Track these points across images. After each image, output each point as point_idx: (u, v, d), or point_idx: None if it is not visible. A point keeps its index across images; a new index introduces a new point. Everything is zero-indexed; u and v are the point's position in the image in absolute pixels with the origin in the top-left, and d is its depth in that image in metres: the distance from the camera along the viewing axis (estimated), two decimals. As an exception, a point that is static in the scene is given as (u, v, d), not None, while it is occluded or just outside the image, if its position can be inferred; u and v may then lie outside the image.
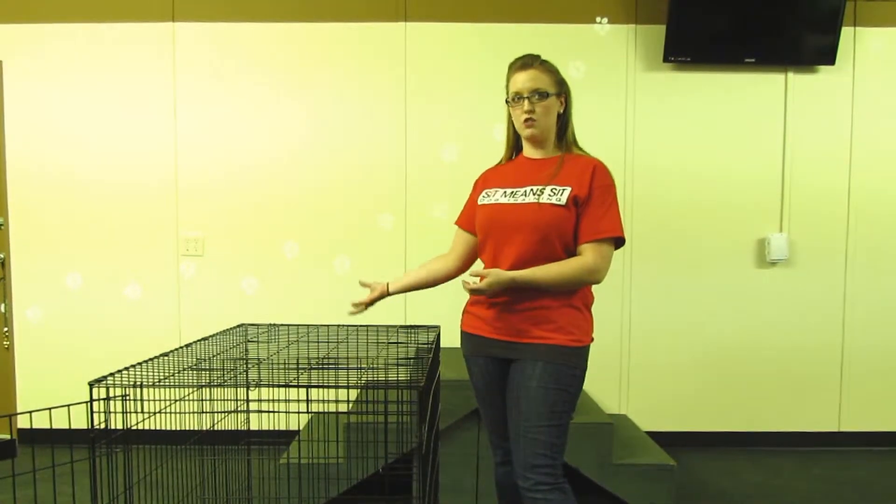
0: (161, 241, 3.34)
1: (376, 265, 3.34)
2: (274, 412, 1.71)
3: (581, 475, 2.53)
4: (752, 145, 3.34)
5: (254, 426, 2.31)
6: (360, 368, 1.66)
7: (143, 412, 1.44)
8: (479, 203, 1.80)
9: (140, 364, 1.50)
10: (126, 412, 1.38)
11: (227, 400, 2.07)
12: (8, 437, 3.25)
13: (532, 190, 1.68)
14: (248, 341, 2.07)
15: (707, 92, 3.33)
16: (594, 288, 1.73)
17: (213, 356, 1.78)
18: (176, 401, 1.65)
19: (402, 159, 3.33)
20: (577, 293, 1.68)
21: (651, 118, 3.33)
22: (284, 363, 1.66)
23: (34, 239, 3.34)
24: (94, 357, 3.35)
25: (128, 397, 1.37)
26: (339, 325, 2.12)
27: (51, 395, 3.32)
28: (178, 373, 1.54)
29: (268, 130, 3.33)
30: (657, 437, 3.07)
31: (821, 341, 3.39)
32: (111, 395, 1.35)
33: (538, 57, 1.74)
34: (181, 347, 1.73)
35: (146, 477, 1.65)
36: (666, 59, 3.26)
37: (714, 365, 3.40)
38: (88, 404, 1.32)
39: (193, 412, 1.82)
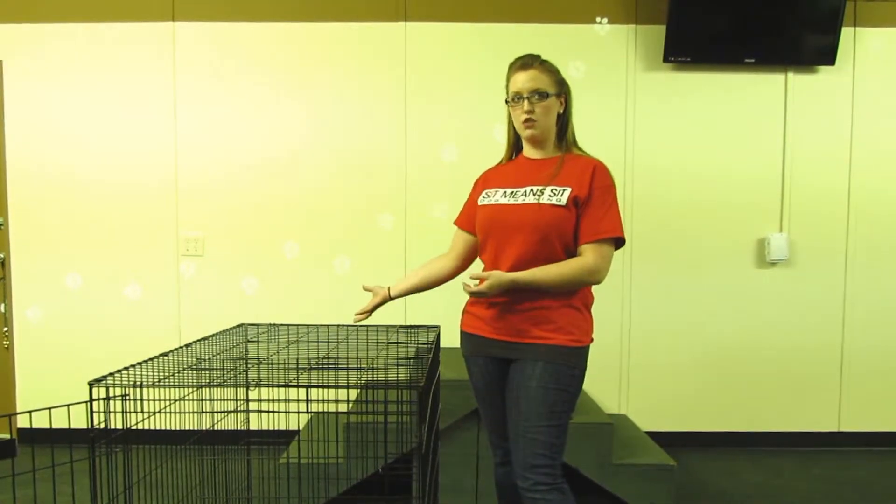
0: (161, 241, 3.34)
1: (376, 265, 3.34)
2: (274, 412, 1.71)
3: (581, 475, 2.53)
4: (752, 145, 3.34)
5: (253, 426, 2.31)
6: (360, 368, 1.66)
7: (142, 412, 1.44)
8: (480, 203, 1.80)
9: (140, 364, 1.50)
10: (126, 412, 1.38)
11: (227, 400, 2.07)
12: (8, 436, 3.25)
13: (532, 190, 1.68)
14: (248, 341, 2.07)
15: (707, 92, 3.33)
16: (594, 288, 1.73)
17: (213, 356, 1.78)
18: (176, 401, 1.65)
19: (402, 159, 3.33)
20: (577, 293, 1.68)
21: (651, 118, 3.33)
22: (284, 363, 1.66)
23: (34, 239, 3.34)
24: (94, 357, 3.35)
25: (127, 397, 1.37)
26: (339, 325, 2.12)
27: (51, 395, 3.32)
28: (178, 373, 1.54)
29: (268, 130, 3.33)
30: (657, 437, 3.07)
31: (821, 341, 3.39)
32: (111, 394, 1.35)
33: (538, 57, 1.74)
34: (181, 347, 1.73)
35: (146, 477, 1.65)
36: (666, 59, 3.26)
37: (714, 365, 3.40)
38: (88, 404, 1.32)
39: (193, 412, 1.82)
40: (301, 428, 2.83)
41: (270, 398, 1.60)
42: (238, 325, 2.12)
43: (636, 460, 2.60)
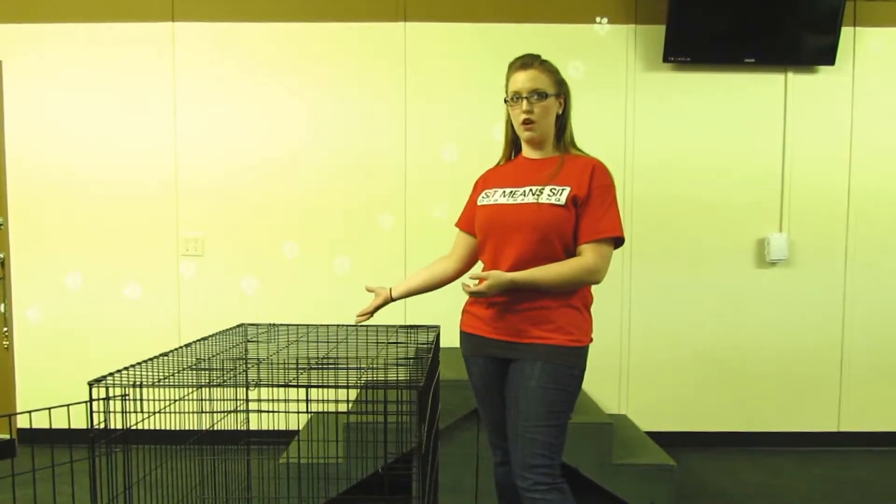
0: (161, 241, 3.34)
1: (376, 265, 3.34)
2: (273, 412, 1.71)
3: (581, 475, 2.53)
4: (751, 145, 3.34)
5: (253, 426, 2.31)
6: (360, 368, 1.66)
7: (142, 412, 1.44)
8: (479, 204, 1.80)
9: (140, 364, 1.50)
10: (125, 412, 1.38)
11: (227, 400, 2.07)
12: (7, 436, 3.25)
13: (531, 190, 1.68)
14: (248, 341, 2.07)
15: (707, 92, 3.33)
16: (594, 288, 1.73)
17: (213, 356, 1.78)
18: (175, 401, 1.65)
19: (402, 159, 3.33)
20: (576, 293, 1.68)
21: (651, 118, 3.33)
22: (284, 363, 1.66)
23: (34, 239, 3.34)
24: (93, 357, 3.35)
25: (127, 397, 1.37)
26: (338, 325, 2.12)
27: (50, 395, 3.33)
28: (178, 373, 1.54)
29: (268, 130, 3.33)
30: (657, 437, 3.07)
31: (820, 341, 3.39)
32: (111, 394, 1.35)
33: (538, 57, 1.74)
34: (181, 347, 1.73)
35: (146, 477, 1.65)
36: (666, 59, 3.26)
37: (714, 365, 3.40)
38: (88, 404, 1.32)
39: (193, 412, 1.82)
40: (301, 428, 2.83)
41: (270, 398, 1.60)
42: (238, 325, 2.12)
43: (636, 460, 2.60)
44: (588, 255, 1.64)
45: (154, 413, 1.52)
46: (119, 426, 1.37)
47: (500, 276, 1.60)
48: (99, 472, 1.31)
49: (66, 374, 3.34)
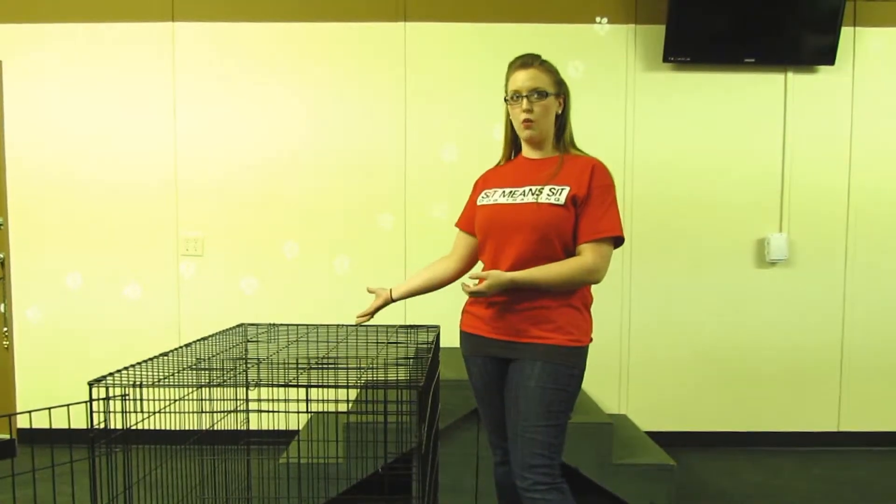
0: (161, 241, 3.34)
1: (376, 265, 3.34)
2: (273, 412, 1.71)
3: (581, 475, 2.53)
4: (751, 145, 3.34)
5: (253, 426, 2.31)
6: (360, 368, 1.66)
7: (142, 412, 1.44)
8: (479, 204, 1.80)
9: (140, 364, 1.50)
10: (125, 412, 1.38)
11: (227, 400, 2.07)
12: (7, 436, 3.25)
13: (531, 190, 1.68)
14: (248, 341, 2.07)
15: (707, 92, 3.33)
16: (593, 288, 1.73)
17: (213, 356, 1.78)
18: (175, 400, 1.65)
19: (401, 159, 3.33)
20: (576, 293, 1.68)
21: (651, 118, 3.33)
22: (284, 363, 1.66)
23: (34, 239, 3.34)
24: (93, 357, 3.35)
25: (127, 397, 1.37)
26: (338, 325, 2.12)
27: (50, 395, 3.33)
28: (178, 373, 1.54)
29: (268, 130, 3.33)
30: (657, 436, 3.07)
31: (820, 341, 3.39)
32: (111, 394, 1.35)
33: (538, 56, 1.74)
34: (181, 347, 1.73)
35: (146, 477, 1.65)
36: (666, 59, 3.26)
37: (714, 365, 3.40)
38: (88, 404, 1.32)
39: (193, 412, 1.82)
40: (301, 428, 2.83)
41: (270, 398, 1.60)
42: (238, 325, 2.12)
43: (636, 460, 2.60)
44: (588, 254, 1.64)
45: (154, 413, 1.52)
46: (119, 426, 1.37)
47: (500, 275, 1.60)
48: (99, 472, 1.31)
49: (66, 374, 3.34)
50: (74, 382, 2.90)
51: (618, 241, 1.69)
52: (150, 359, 1.56)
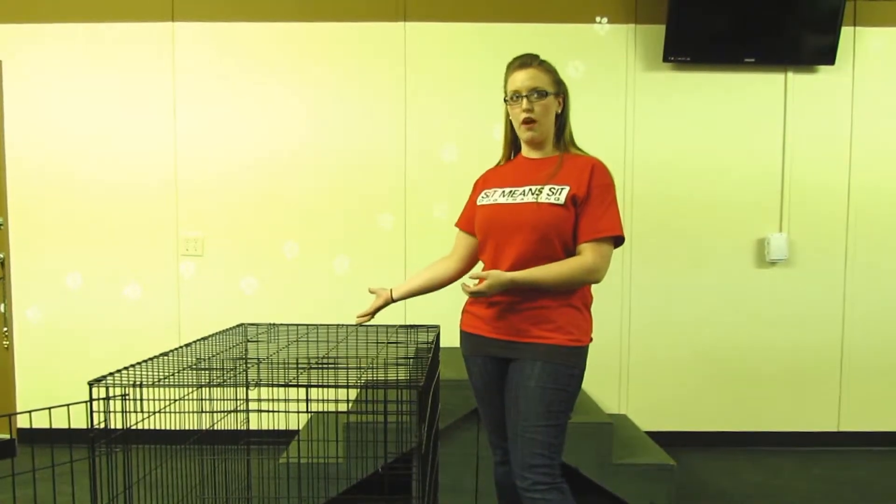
0: (161, 241, 3.34)
1: (376, 265, 3.34)
2: (273, 412, 1.71)
3: (581, 475, 2.53)
4: (751, 145, 3.34)
5: (253, 426, 2.31)
6: (360, 368, 1.66)
7: (142, 412, 1.44)
8: (479, 203, 1.80)
9: (140, 364, 1.50)
10: (125, 412, 1.38)
11: (227, 399, 2.07)
12: (8, 436, 3.25)
13: (531, 189, 1.68)
14: (248, 341, 2.07)
15: (707, 92, 3.33)
16: (593, 287, 1.73)
17: (213, 356, 1.78)
18: (175, 400, 1.65)
19: (401, 159, 3.33)
20: (576, 293, 1.68)
21: (651, 118, 3.33)
22: (284, 363, 1.66)
23: (34, 239, 3.34)
24: (94, 357, 3.35)
25: (127, 397, 1.37)
26: (338, 325, 2.12)
27: (50, 395, 3.33)
28: (178, 372, 1.54)
29: (267, 130, 3.33)
30: (657, 436, 3.07)
31: (820, 341, 3.39)
32: (111, 394, 1.35)
33: (537, 56, 1.74)
34: (181, 347, 1.73)
35: (146, 476, 1.65)
36: (666, 59, 3.26)
37: (714, 365, 3.40)
38: (88, 404, 1.32)
39: (193, 412, 1.82)
40: (301, 428, 2.83)
41: (270, 398, 1.60)
42: (238, 325, 2.12)
43: (636, 460, 2.60)
44: (588, 254, 1.64)
45: (154, 413, 1.52)
46: (119, 426, 1.37)
47: (500, 275, 1.59)
48: (99, 471, 1.31)
49: (66, 374, 3.34)
50: (74, 382, 2.90)
51: (618, 241, 1.69)
52: (150, 359, 1.56)
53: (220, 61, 3.30)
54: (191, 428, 1.90)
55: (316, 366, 1.60)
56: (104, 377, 1.38)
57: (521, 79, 1.70)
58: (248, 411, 2.20)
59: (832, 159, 3.35)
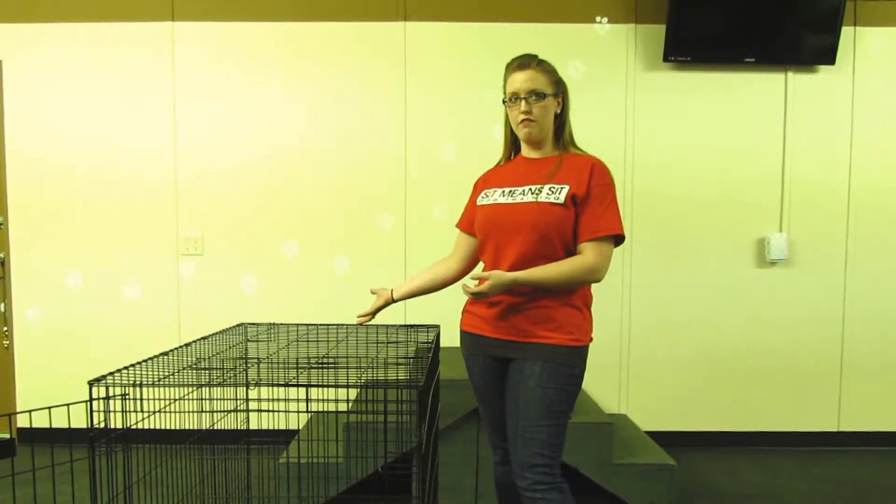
0: (161, 241, 3.34)
1: (376, 265, 3.34)
2: (273, 411, 1.71)
3: (581, 475, 2.53)
4: (751, 145, 3.34)
5: (253, 425, 2.31)
6: (360, 368, 1.66)
7: (142, 411, 1.44)
8: (479, 204, 1.80)
9: (140, 363, 1.50)
10: (126, 411, 1.38)
11: (227, 399, 2.07)
12: (7, 436, 3.25)
13: (530, 189, 1.68)
14: (248, 340, 2.07)
15: (707, 91, 3.33)
16: (593, 287, 1.73)
17: (213, 355, 1.78)
18: (175, 400, 1.65)
19: (401, 159, 3.33)
20: (576, 292, 1.68)
21: (651, 118, 3.33)
22: (284, 362, 1.66)
23: (34, 238, 3.34)
24: (93, 357, 3.35)
25: (127, 396, 1.37)
26: (338, 325, 2.12)
27: (50, 395, 3.33)
28: (178, 372, 1.54)
29: (268, 130, 3.33)
30: (657, 436, 3.07)
31: (820, 341, 3.39)
32: (111, 394, 1.35)
33: (535, 57, 1.74)
34: (181, 347, 1.73)
35: (146, 476, 1.65)
36: (666, 59, 3.26)
37: (714, 364, 3.40)
38: (88, 403, 1.32)
39: (193, 411, 1.82)
40: (301, 427, 2.83)
41: (270, 398, 1.60)
42: (238, 325, 2.12)
43: (636, 460, 2.60)
44: (588, 253, 1.64)
45: (154, 412, 1.52)
46: (119, 426, 1.37)
47: (502, 275, 1.59)
48: (99, 471, 1.31)
49: (66, 373, 3.34)
50: (74, 382, 2.90)
51: (618, 240, 1.69)
52: (151, 358, 1.56)
53: (221, 61, 3.30)
54: (191, 428, 1.90)
55: (316, 366, 1.60)
56: (104, 377, 1.38)
57: (520, 80, 1.69)
58: (248, 411, 2.20)
59: (832, 159, 3.35)
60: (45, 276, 3.34)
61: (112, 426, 1.35)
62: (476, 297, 1.67)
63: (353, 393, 2.95)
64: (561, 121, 1.76)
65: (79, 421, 1.42)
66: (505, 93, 1.74)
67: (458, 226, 1.94)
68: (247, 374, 1.88)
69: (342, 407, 2.59)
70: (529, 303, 1.65)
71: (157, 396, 1.49)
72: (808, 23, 3.18)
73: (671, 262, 3.37)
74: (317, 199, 3.34)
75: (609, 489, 2.55)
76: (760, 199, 3.35)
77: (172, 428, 1.75)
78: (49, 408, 1.35)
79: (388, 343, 1.98)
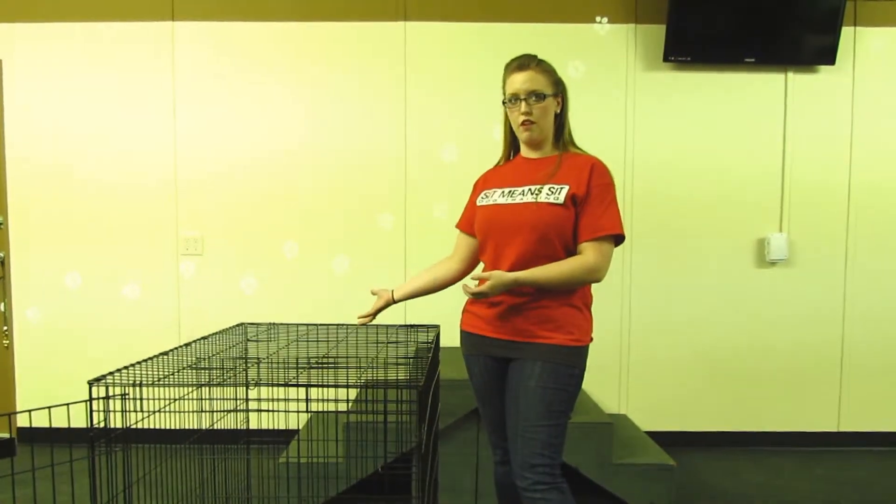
0: (160, 241, 3.34)
1: (376, 265, 3.34)
2: (273, 411, 1.71)
3: (581, 475, 2.53)
4: (751, 145, 3.34)
5: (253, 425, 2.31)
6: (360, 368, 1.66)
7: (142, 411, 1.44)
8: (478, 204, 1.80)
9: (140, 363, 1.50)
10: (125, 411, 1.38)
11: (227, 399, 2.07)
12: (7, 436, 3.25)
13: (530, 189, 1.68)
14: (248, 340, 2.07)
15: (707, 92, 3.33)
16: (593, 287, 1.73)
17: (213, 355, 1.78)
18: (175, 400, 1.65)
19: (401, 159, 3.33)
20: (576, 292, 1.68)
21: (651, 118, 3.33)
22: (284, 362, 1.66)
23: (34, 238, 3.34)
24: (93, 356, 3.35)
25: (127, 396, 1.37)
26: (338, 325, 2.12)
27: (50, 395, 3.33)
28: (178, 372, 1.54)
29: (267, 130, 3.33)
30: (657, 436, 3.07)
31: (820, 341, 3.39)
32: (110, 393, 1.35)
33: (535, 57, 1.73)
34: (181, 347, 1.73)
35: (145, 476, 1.65)
36: (666, 59, 3.26)
37: (714, 365, 3.40)
38: (88, 403, 1.32)
39: (193, 411, 1.82)
40: (301, 427, 2.83)
41: (270, 397, 1.60)
42: (238, 325, 2.12)
43: (636, 460, 2.60)
44: (589, 253, 1.64)
45: (154, 412, 1.52)
46: (119, 425, 1.37)
47: (502, 276, 1.59)
48: (99, 471, 1.31)
49: (66, 373, 3.34)
50: (74, 382, 2.90)
51: (618, 240, 1.69)
52: (150, 358, 1.56)
53: (220, 61, 3.30)
54: (191, 427, 1.90)
55: (316, 365, 1.60)
56: (104, 376, 1.38)
57: (519, 81, 1.69)
58: (248, 411, 2.20)
59: (832, 159, 3.35)
60: (45, 275, 3.34)
61: (112, 426, 1.35)
62: (476, 298, 1.66)
63: (352, 393, 2.95)
64: (560, 121, 1.76)
65: (79, 421, 1.42)
66: (504, 93, 1.74)
67: (457, 226, 1.94)
68: (247, 373, 1.88)
69: (342, 407, 2.59)
70: (530, 303, 1.65)
71: (156, 396, 1.49)
72: (808, 23, 3.19)
73: (671, 262, 3.37)
74: (317, 199, 3.34)
75: (609, 489, 2.55)
76: (760, 199, 3.35)
77: (172, 428, 1.75)
78: (49, 407, 1.35)
79: (388, 343, 1.98)
